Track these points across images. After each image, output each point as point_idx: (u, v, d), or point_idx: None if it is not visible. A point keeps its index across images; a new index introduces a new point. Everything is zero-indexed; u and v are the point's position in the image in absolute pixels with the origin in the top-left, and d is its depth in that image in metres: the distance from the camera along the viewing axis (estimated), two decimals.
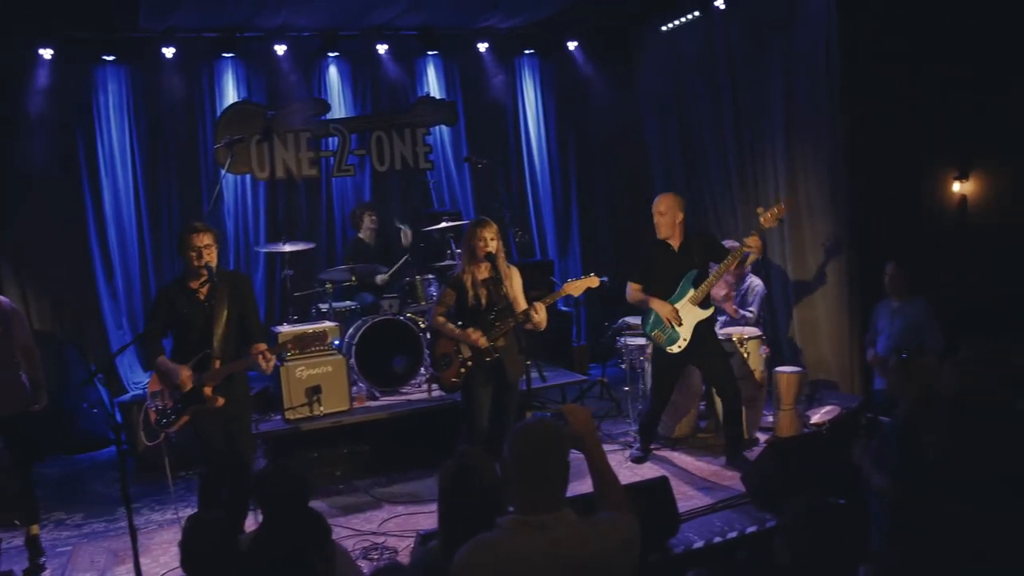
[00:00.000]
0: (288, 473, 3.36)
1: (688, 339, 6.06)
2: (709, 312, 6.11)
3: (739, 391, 6.22)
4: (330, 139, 9.23)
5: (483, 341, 5.46)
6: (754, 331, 6.88)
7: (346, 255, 8.39)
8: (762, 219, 6.00)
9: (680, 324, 6.04)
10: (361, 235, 8.33)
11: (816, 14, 7.25)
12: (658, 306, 6.06)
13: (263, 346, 5.06)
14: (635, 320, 7.70)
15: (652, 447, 6.65)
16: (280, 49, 8.81)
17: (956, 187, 7.43)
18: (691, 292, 6.03)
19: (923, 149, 7.16)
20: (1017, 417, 3.89)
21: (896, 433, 4.03)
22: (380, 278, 8.01)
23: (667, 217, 6.05)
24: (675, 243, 6.10)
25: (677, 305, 6.04)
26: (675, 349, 6.09)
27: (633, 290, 6.24)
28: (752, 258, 6.26)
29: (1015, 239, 6.85)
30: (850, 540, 2.81)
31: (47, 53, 7.98)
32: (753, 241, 5.84)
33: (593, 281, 5.66)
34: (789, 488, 4.82)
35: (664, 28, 9.23)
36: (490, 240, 5.47)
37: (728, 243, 6.47)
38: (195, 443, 5.16)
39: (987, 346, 3.99)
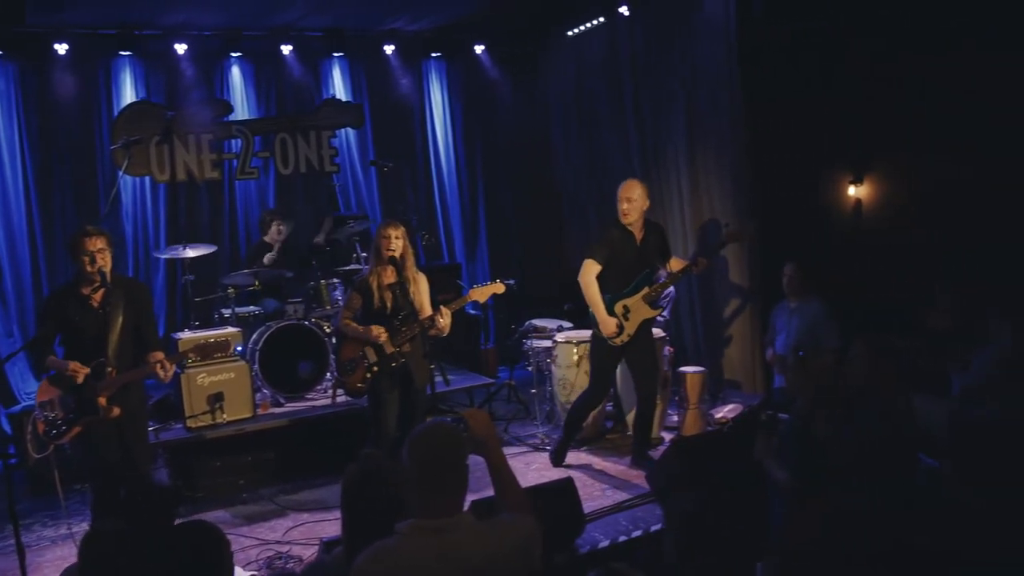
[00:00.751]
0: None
1: (632, 335, 6.07)
2: (657, 312, 6.20)
3: (656, 393, 6.30)
4: (233, 141, 9.03)
5: (385, 338, 5.44)
6: (658, 332, 6.99)
7: (249, 257, 8.23)
8: (726, 233, 6.31)
9: (627, 320, 6.04)
10: (267, 239, 8.18)
11: (716, 21, 7.41)
12: (603, 323, 6.00)
13: (161, 355, 4.92)
14: (542, 323, 7.78)
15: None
16: (180, 48, 8.58)
17: (852, 191, 7.69)
18: (645, 290, 6.04)
19: (821, 154, 7.37)
20: (905, 414, 4.06)
21: (793, 429, 4.16)
22: (268, 257, 7.91)
23: (636, 204, 5.96)
24: (638, 234, 6.06)
25: (630, 300, 6.03)
26: (618, 342, 6.06)
27: (591, 276, 6.04)
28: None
29: (906, 241, 7.11)
30: (745, 536, 2.88)
31: None
32: (702, 263, 6.08)
33: (499, 287, 5.71)
34: (693, 486, 4.93)
35: (569, 33, 9.33)
36: (395, 239, 5.46)
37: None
38: (88, 455, 4.98)
39: (875, 343, 4.16)
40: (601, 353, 6.21)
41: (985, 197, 6.47)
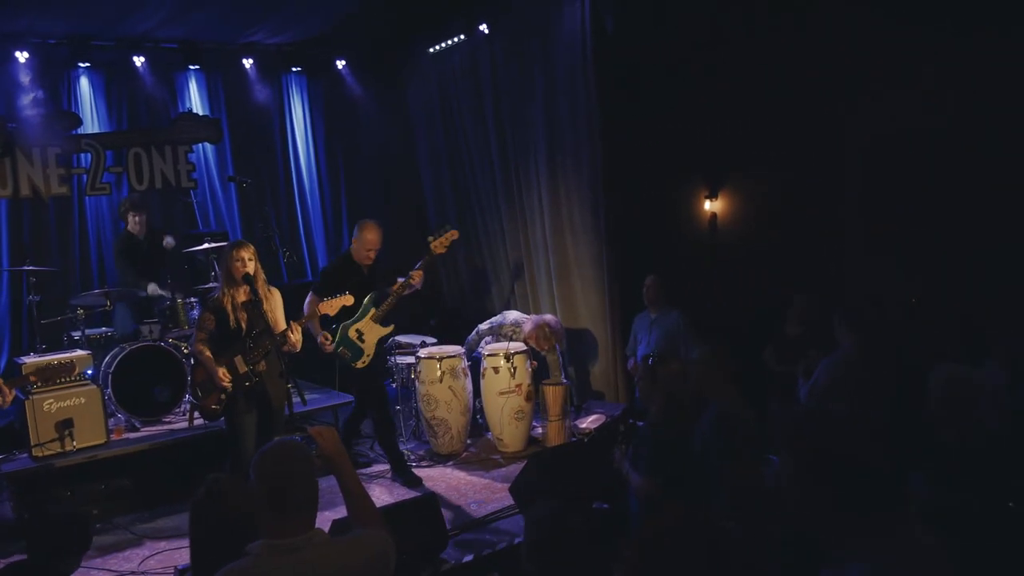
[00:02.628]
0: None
1: (371, 355, 6.35)
2: (389, 329, 6.47)
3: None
4: (82, 155, 8.67)
5: (228, 384, 5.37)
6: (519, 346, 7.11)
7: (116, 249, 7.84)
8: (433, 245, 6.41)
9: (363, 341, 6.32)
10: (130, 228, 7.82)
11: (572, 38, 7.57)
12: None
13: None
14: (406, 339, 7.77)
15: (424, 464, 6.84)
16: (22, 56, 8.17)
17: (707, 205, 8.01)
18: (372, 311, 6.32)
19: (677, 169, 7.63)
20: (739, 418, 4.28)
21: (646, 435, 4.32)
22: (151, 288, 7.59)
23: (376, 244, 6.33)
24: (365, 265, 6.38)
25: (360, 324, 6.32)
26: (360, 364, 6.35)
27: (312, 304, 6.21)
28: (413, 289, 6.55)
29: (756, 253, 7.46)
30: (602, 544, 2.96)
31: None
32: (416, 276, 6.30)
33: (348, 299, 5.75)
34: (554, 496, 5.03)
35: (431, 50, 9.38)
36: (248, 260, 5.38)
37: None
38: None
39: (709, 351, 4.38)
40: (351, 379, 6.60)
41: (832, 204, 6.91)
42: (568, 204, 7.95)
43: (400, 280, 6.33)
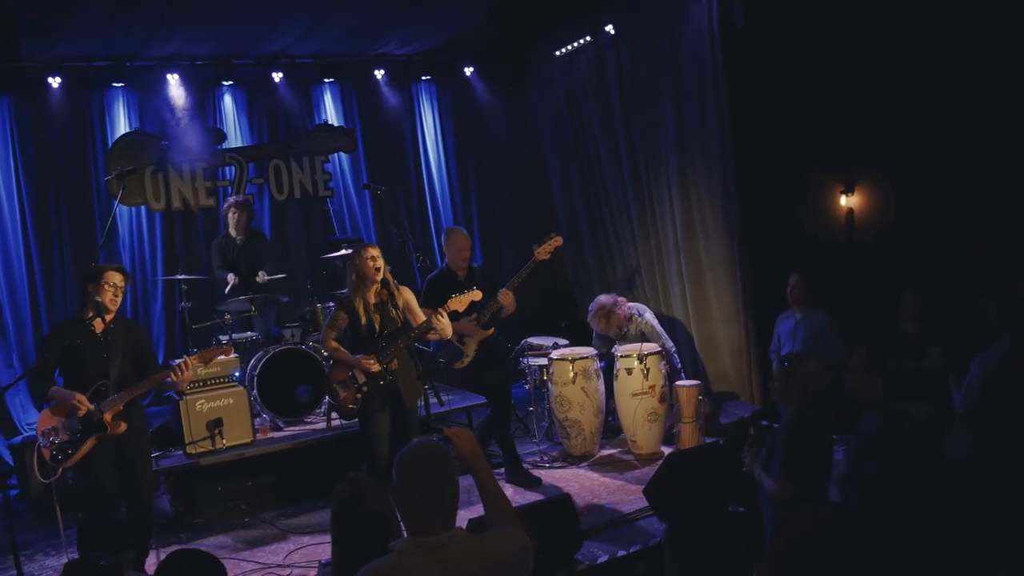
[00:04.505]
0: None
1: (471, 356, 6.46)
2: (490, 332, 6.52)
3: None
4: (227, 168, 9.12)
5: (376, 367, 5.48)
6: (653, 347, 7.04)
7: (215, 251, 8.16)
8: (537, 252, 6.46)
9: (463, 344, 6.44)
10: (230, 228, 8.11)
11: (700, 35, 7.46)
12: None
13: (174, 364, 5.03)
14: (538, 340, 7.80)
15: (557, 465, 6.88)
16: (173, 78, 8.67)
17: (843, 200, 7.74)
18: (473, 316, 6.33)
19: (811, 165, 7.40)
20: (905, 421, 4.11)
21: (779, 438, 4.21)
22: (261, 275, 7.89)
23: (466, 251, 6.55)
24: (462, 273, 6.51)
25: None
26: (459, 366, 6.46)
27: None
28: (504, 311, 6.51)
29: (898, 250, 7.14)
30: (742, 547, 2.91)
31: None
32: (504, 297, 6.36)
33: (476, 295, 5.75)
34: (689, 499, 4.97)
35: (557, 53, 9.40)
36: (378, 258, 5.51)
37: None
38: (85, 483, 5.06)
39: (874, 353, 4.21)
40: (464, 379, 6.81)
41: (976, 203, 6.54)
42: (699, 204, 7.82)
43: (502, 290, 6.41)
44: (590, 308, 7.42)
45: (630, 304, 7.49)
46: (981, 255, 6.40)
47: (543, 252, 6.51)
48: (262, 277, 7.91)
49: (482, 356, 6.51)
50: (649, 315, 7.51)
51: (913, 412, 4.20)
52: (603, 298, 7.39)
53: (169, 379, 4.98)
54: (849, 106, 7.04)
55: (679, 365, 7.53)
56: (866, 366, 4.17)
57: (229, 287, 7.84)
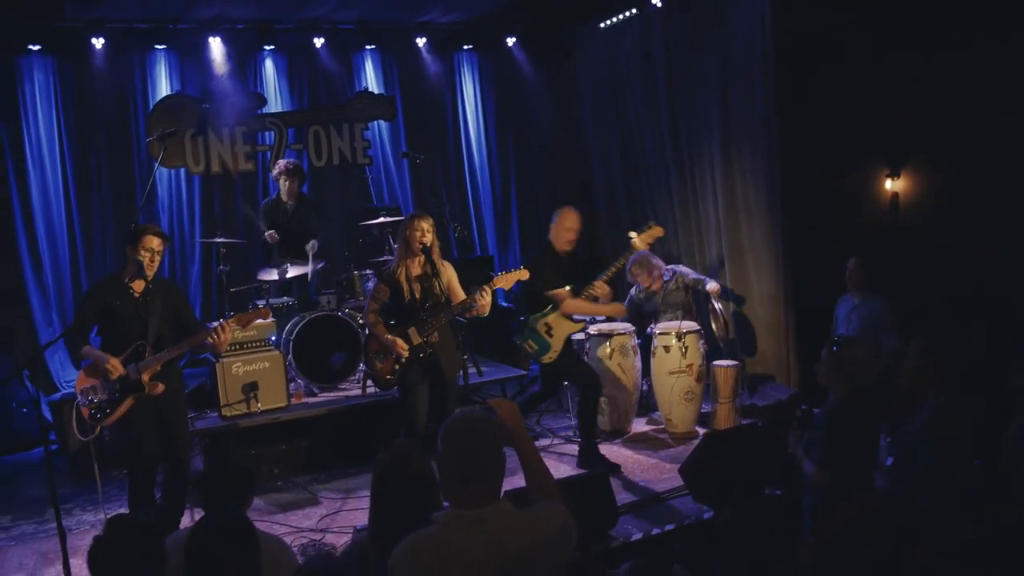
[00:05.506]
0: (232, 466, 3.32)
1: (559, 351, 6.14)
2: (580, 326, 6.33)
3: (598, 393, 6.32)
4: (267, 133, 9.11)
5: (405, 352, 5.45)
6: (692, 325, 6.96)
7: (262, 211, 8.07)
8: (635, 241, 6.27)
9: (551, 336, 6.13)
10: (281, 194, 8.03)
11: (750, 14, 7.33)
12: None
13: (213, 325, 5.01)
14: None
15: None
16: (214, 41, 8.65)
17: (888, 184, 7.59)
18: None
19: (856, 148, 7.26)
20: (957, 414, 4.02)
21: (822, 423, 4.13)
22: (313, 244, 7.77)
23: (575, 233, 6.12)
24: (565, 252, 6.19)
25: (550, 318, 6.12)
26: (546, 360, 6.17)
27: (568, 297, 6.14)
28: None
29: (946, 236, 6.99)
30: (783, 533, 2.87)
31: None
32: (600, 288, 6.12)
33: (523, 273, 5.67)
34: (725, 480, 4.91)
35: (602, 25, 9.27)
36: (427, 231, 5.46)
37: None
38: (125, 442, 5.09)
39: (932, 343, 4.12)
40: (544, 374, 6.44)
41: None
42: (743, 184, 7.71)
43: (600, 278, 6.18)
44: (628, 261, 7.00)
45: (666, 266, 7.38)
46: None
47: (642, 241, 6.32)
48: (313, 247, 7.78)
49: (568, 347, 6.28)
50: (683, 267, 7.47)
51: (967, 402, 4.10)
52: (637, 255, 7.12)
53: (207, 341, 4.97)
54: (900, 89, 6.90)
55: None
56: (926, 355, 4.09)
57: (271, 246, 7.81)
